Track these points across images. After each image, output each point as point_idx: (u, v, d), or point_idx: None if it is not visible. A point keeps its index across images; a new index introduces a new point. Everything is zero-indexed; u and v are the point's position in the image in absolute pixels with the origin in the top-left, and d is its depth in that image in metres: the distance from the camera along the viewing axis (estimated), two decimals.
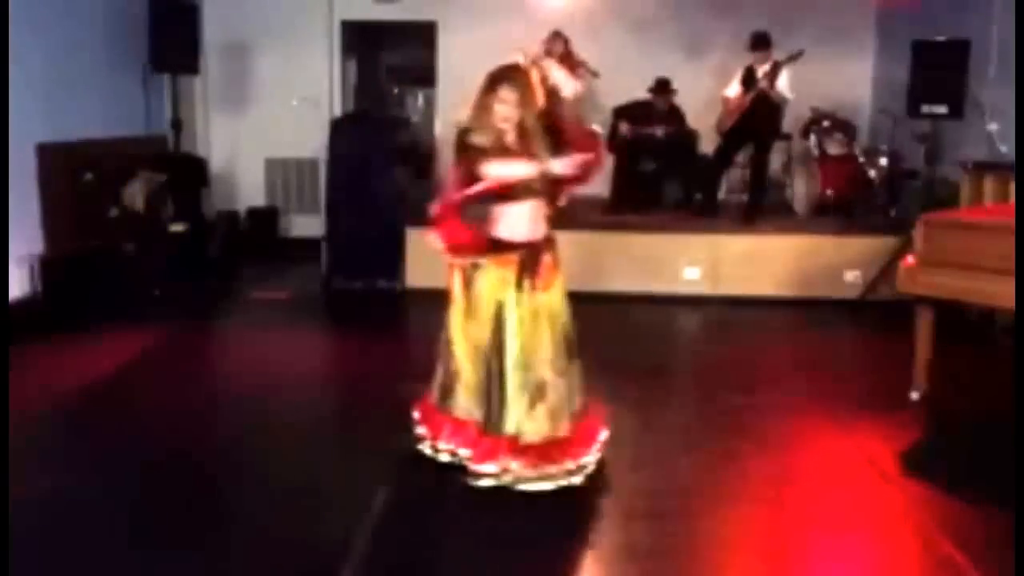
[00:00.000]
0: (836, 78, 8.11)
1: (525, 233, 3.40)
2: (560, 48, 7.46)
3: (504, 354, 3.38)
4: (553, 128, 3.39)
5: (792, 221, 7.36)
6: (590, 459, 3.47)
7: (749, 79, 6.90)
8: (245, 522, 3.22)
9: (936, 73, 6.38)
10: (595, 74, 7.63)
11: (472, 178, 3.32)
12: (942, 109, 6.41)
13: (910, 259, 4.38)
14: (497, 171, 3.28)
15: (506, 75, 3.35)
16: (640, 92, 7.74)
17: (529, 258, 3.40)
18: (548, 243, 3.48)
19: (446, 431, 3.48)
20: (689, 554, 3.03)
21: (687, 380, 5.13)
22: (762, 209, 7.19)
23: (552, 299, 3.45)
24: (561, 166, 3.34)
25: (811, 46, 6.87)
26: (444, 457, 3.47)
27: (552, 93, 3.81)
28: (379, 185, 6.82)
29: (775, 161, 7.77)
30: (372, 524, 3.20)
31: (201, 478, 3.64)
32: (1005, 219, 4.16)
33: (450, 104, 7.98)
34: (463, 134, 3.33)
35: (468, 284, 3.43)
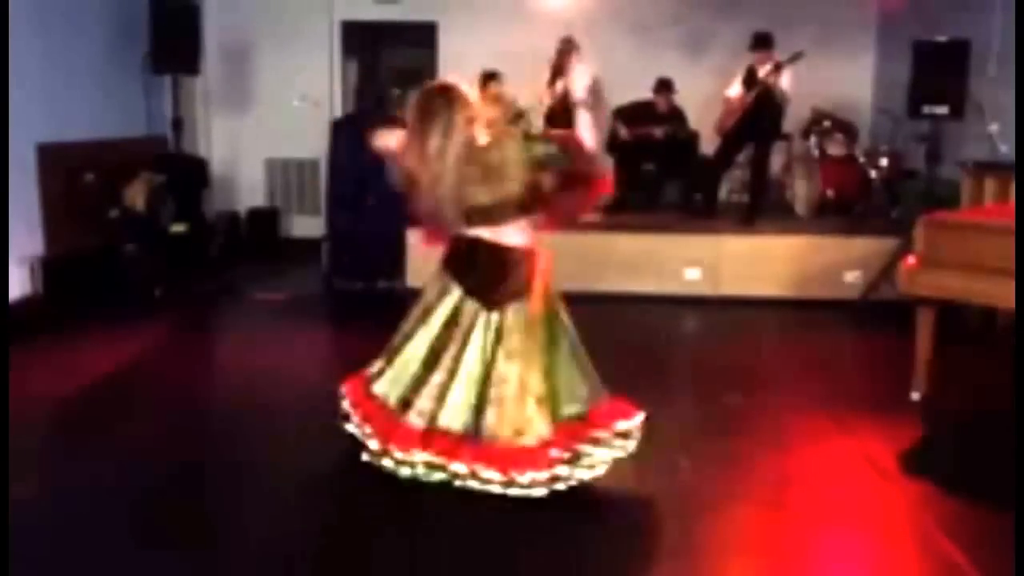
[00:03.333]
0: (836, 78, 8.11)
1: None
2: (566, 60, 7.43)
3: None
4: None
5: (792, 221, 7.36)
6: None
7: (750, 79, 6.90)
8: (244, 522, 3.22)
9: (936, 73, 6.37)
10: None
11: None
12: (942, 109, 6.41)
13: (911, 259, 4.38)
14: None
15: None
16: (641, 93, 7.75)
17: None
18: None
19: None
20: (689, 554, 3.02)
21: (687, 380, 5.12)
22: (762, 209, 7.19)
23: None
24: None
25: (811, 46, 6.87)
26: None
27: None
28: (379, 185, 6.80)
29: (775, 162, 7.77)
30: (372, 523, 3.21)
31: (201, 478, 3.64)
32: (1005, 219, 4.16)
33: None
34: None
35: None
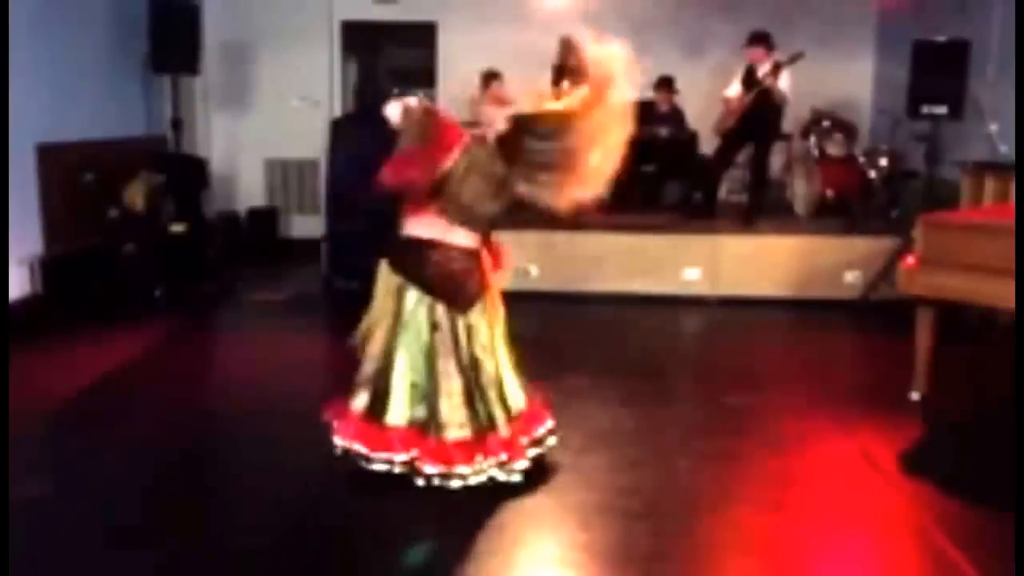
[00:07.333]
0: (836, 78, 8.12)
1: None
2: (573, 61, 7.42)
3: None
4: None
5: (792, 221, 7.36)
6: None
7: (750, 79, 6.90)
8: (242, 522, 3.22)
9: (936, 73, 6.37)
10: None
11: None
12: (942, 109, 6.41)
13: (910, 259, 4.38)
14: None
15: None
16: (641, 92, 7.74)
17: None
18: None
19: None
20: (688, 555, 3.03)
21: (687, 380, 5.13)
22: (762, 209, 7.19)
23: None
24: None
25: (811, 46, 6.87)
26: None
27: None
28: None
29: (775, 162, 7.77)
30: (369, 522, 3.21)
31: (200, 478, 3.65)
32: (1005, 219, 4.16)
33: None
34: None
35: None
